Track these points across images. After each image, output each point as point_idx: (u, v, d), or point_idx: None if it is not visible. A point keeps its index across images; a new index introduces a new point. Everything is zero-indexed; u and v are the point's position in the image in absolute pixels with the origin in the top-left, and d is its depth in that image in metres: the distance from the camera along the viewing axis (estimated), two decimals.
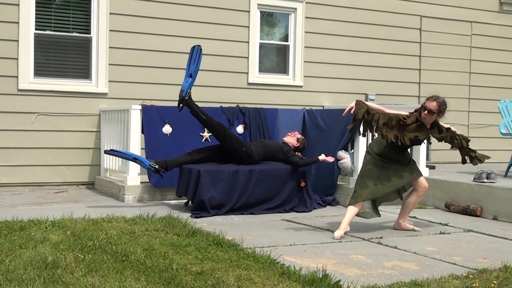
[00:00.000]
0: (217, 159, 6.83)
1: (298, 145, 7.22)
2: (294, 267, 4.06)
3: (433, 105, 5.56)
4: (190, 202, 6.74)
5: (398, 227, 5.87)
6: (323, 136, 7.63)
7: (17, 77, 7.80)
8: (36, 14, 7.90)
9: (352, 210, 5.54)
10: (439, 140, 5.78)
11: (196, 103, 6.58)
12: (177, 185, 6.80)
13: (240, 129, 7.72)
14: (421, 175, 5.88)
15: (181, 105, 6.44)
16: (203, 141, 7.40)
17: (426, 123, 5.63)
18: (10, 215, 5.51)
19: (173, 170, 6.73)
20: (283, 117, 8.01)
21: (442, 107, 5.60)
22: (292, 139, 7.26)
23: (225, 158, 6.82)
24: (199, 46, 6.51)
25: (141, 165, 6.63)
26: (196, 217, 6.16)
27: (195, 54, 6.46)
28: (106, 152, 6.66)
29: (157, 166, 6.43)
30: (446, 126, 5.80)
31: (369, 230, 5.77)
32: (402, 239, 5.41)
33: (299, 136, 7.32)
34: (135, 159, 6.55)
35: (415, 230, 5.81)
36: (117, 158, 7.45)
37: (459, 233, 5.85)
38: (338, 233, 5.35)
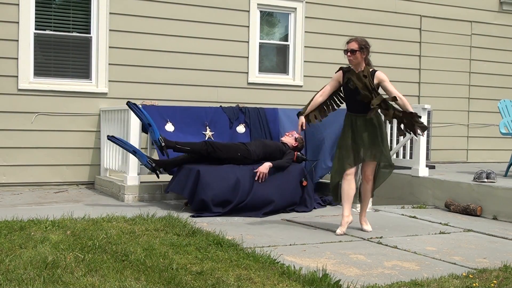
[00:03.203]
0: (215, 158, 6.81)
1: (296, 144, 7.22)
2: (294, 267, 4.06)
3: (352, 44, 5.58)
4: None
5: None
6: (322, 135, 7.63)
7: (17, 77, 7.79)
8: (36, 14, 7.90)
9: None
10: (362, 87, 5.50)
11: (175, 142, 6.61)
12: (171, 181, 6.75)
13: (241, 128, 7.71)
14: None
15: (164, 151, 6.51)
16: (206, 139, 7.37)
17: (355, 66, 5.62)
18: (10, 215, 5.51)
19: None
20: (284, 116, 8.01)
21: (362, 43, 5.58)
22: (290, 139, 7.26)
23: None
24: (128, 102, 6.56)
25: (138, 159, 6.64)
26: (198, 217, 6.13)
27: (135, 109, 6.53)
28: (108, 137, 6.66)
29: (153, 164, 6.44)
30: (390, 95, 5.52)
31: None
32: (402, 238, 5.41)
33: (297, 135, 7.32)
34: (134, 152, 6.57)
35: (362, 229, 5.72)
36: (117, 158, 7.46)
37: (459, 233, 5.85)
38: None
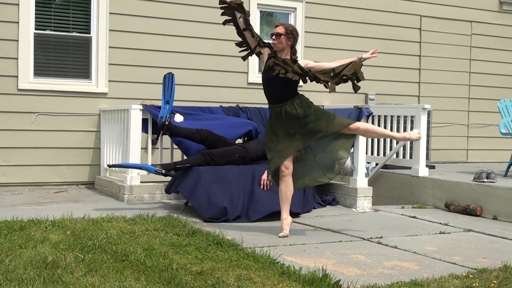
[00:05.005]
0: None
1: None
2: (294, 267, 4.06)
3: (279, 28, 5.34)
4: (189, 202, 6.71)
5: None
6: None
7: (17, 77, 7.79)
8: (36, 14, 7.90)
9: None
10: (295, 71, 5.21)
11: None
12: (170, 182, 6.74)
13: None
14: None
15: (161, 131, 6.56)
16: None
17: (279, 51, 5.36)
18: (10, 215, 5.51)
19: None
20: None
21: (289, 28, 5.34)
22: None
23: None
24: (169, 73, 6.56)
25: (148, 171, 6.66)
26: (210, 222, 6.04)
27: (168, 81, 6.55)
28: (109, 166, 6.73)
29: (163, 171, 6.43)
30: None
31: (369, 230, 5.77)
32: (402, 238, 5.41)
33: None
34: (140, 168, 6.65)
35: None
36: (117, 158, 7.45)
37: (459, 232, 5.85)
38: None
